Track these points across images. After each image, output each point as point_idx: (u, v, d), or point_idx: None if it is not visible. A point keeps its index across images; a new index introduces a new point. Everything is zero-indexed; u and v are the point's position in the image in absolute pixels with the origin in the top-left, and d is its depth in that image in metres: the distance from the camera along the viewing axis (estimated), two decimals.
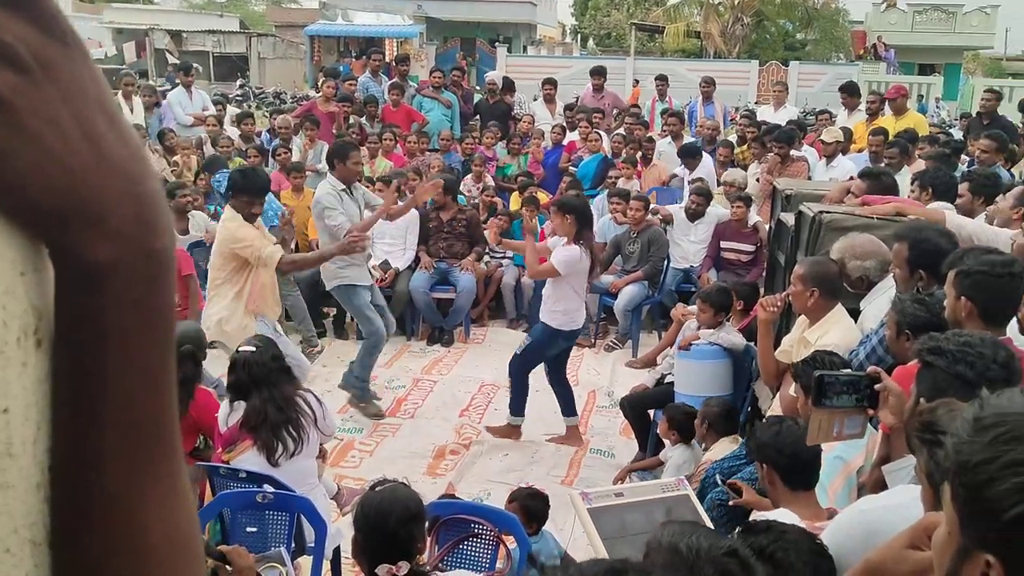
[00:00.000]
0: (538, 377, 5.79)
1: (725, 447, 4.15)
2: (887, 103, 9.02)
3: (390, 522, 2.41)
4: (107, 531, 0.53)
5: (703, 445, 4.44)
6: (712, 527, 2.43)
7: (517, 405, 5.63)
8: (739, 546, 1.62)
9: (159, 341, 0.54)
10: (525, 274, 6.59)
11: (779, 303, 4.06)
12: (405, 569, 2.37)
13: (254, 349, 3.67)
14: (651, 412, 5.32)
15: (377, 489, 2.58)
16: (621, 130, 9.87)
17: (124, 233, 0.50)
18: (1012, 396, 0.96)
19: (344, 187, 5.68)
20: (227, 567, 2.44)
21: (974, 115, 10.39)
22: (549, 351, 5.49)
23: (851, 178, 5.65)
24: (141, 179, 0.52)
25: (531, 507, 3.71)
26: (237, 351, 3.77)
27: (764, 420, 3.34)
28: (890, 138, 7.54)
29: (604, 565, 0.74)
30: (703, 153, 8.86)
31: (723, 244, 7.49)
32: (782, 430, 2.70)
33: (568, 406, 5.65)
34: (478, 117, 10.99)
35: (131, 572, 0.54)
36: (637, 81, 20.27)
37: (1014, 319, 2.93)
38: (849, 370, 2.45)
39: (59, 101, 0.49)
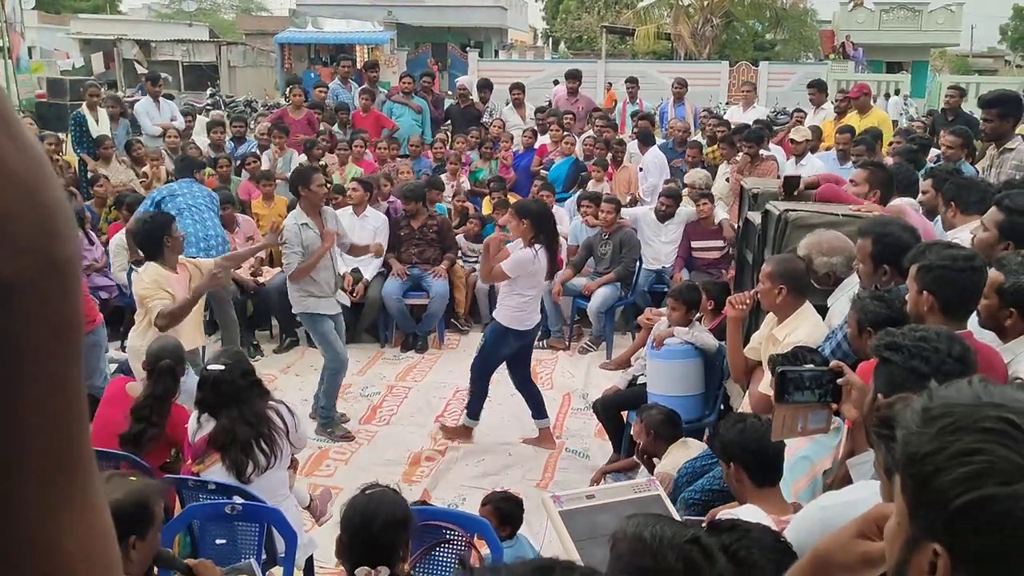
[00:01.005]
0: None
1: (677, 454, 4.17)
2: (851, 102, 9.12)
3: (374, 526, 2.41)
4: (15, 550, 0.51)
5: (646, 456, 4.45)
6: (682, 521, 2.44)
7: (474, 408, 5.64)
8: (702, 535, 1.63)
9: (66, 352, 0.53)
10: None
11: (747, 301, 4.08)
12: (384, 574, 2.36)
13: (223, 368, 3.63)
14: (624, 413, 5.33)
15: (366, 492, 2.57)
16: (591, 132, 9.90)
17: (25, 244, 0.49)
18: (960, 387, 0.97)
19: (305, 220, 5.58)
20: None
21: (939, 111, 10.52)
22: (503, 350, 5.48)
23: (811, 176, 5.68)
24: (43, 187, 0.51)
25: (504, 510, 3.70)
26: (206, 369, 3.73)
27: (725, 418, 3.34)
28: (856, 136, 7.62)
29: (532, 564, 0.74)
30: (655, 142, 9.00)
31: (693, 244, 7.54)
32: (746, 427, 2.71)
33: (538, 409, 5.65)
34: (449, 122, 10.98)
35: None
36: (611, 84, 20.34)
37: (974, 313, 2.96)
38: (812, 365, 2.45)
39: None
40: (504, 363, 5.63)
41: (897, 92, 22.63)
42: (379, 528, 2.42)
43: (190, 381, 4.06)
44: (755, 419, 2.78)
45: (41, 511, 0.52)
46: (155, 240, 4.82)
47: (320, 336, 5.75)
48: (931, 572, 0.91)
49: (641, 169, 8.97)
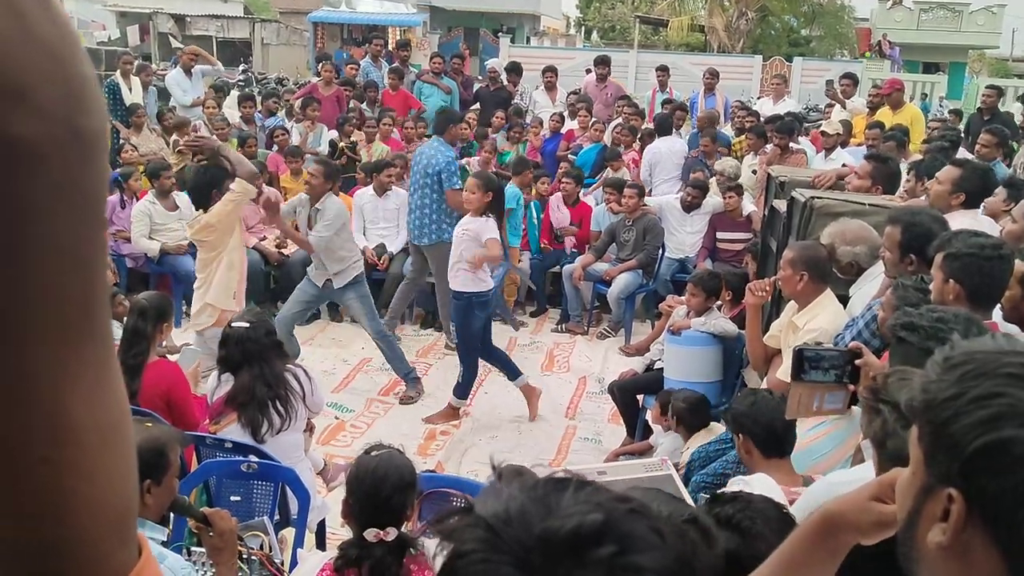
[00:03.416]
0: (529, 364, 5.82)
1: (701, 442, 4.16)
2: (884, 98, 9.02)
3: (384, 488, 2.40)
4: (27, 411, 0.53)
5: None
6: (692, 505, 2.44)
7: (464, 390, 5.69)
8: (699, 513, 1.63)
9: (88, 221, 0.54)
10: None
11: (767, 287, 4.06)
12: (393, 535, 2.37)
13: (248, 325, 3.67)
14: (640, 398, 5.33)
15: (373, 454, 2.57)
16: (619, 120, 9.86)
17: (49, 110, 0.50)
18: (982, 340, 0.98)
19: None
20: (209, 529, 2.45)
21: (975, 110, 10.39)
22: (474, 322, 5.51)
23: (843, 165, 5.64)
24: (70, 59, 0.52)
25: (512, 466, 3.71)
26: (230, 326, 3.75)
27: (740, 393, 3.34)
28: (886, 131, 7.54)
29: (547, 477, 0.75)
30: (673, 132, 9.02)
31: (719, 234, 7.50)
32: (757, 400, 2.71)
33: (510, 370, 5.71)
34: (478, 104, 10.98)
35: (53, 455, 0.54)
36: (589, 70, 19.82)
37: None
38: (830, 345, 2.45)
39: None
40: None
41: (925, 96, 22.32)
42: (389, 489, 2.42)
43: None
44: (767, 393, 2.78)
45: (52, 377, 0.53)
46: (204, 192, 4.92)
47: (364, 298, 5.87)
48: (944, 518, 0.91)
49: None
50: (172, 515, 2.74)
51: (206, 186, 4.93)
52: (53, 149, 0.51)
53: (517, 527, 0.72)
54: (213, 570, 2.53)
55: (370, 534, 2.36)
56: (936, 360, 0.96)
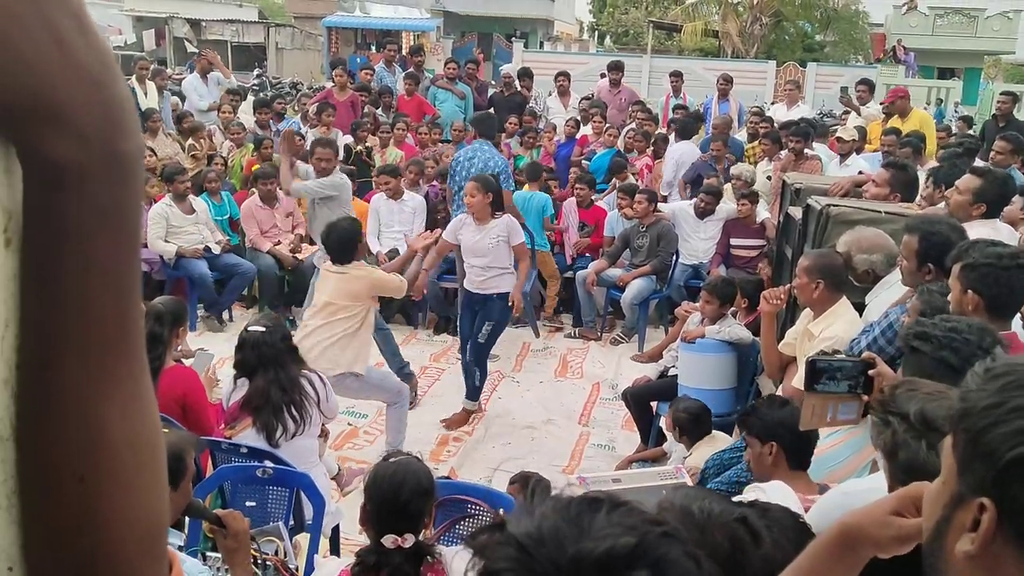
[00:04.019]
0: (543, 370, 5.83)
1: (704, 450, 4.15)
2: (891, 105, 8.95)
3: (402, 494, 2.41)
4: (64, 429, 0.54)
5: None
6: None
7: (476, 391, 5.76)
8: (750, 514, 1.62)
9: (123, 241, 0.55)
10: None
11: (782, 296, 4.05)
12: (411, 542, 2.38)
13: (263, 329, 3.69)
14: (654, 404, 5.32)
15: (391, 460, 2.57)
16: (633, 125, 9.86)
17: (89, 134, 0.52)
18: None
19: None
20: (223, 530, 2.46)
21: (990, 117, 10.33)
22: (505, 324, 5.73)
23: (860, 172, 5.62)
24: (109, 84, 0.53)
25: (544, 483, 3.72)
26: (246, 330, 3.77)
27: (763, 400, 3.32)
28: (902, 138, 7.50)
29: (582, 496, 0.75)
30: (691, 135, 9.07)
31: (733, 241, 7.48)
32: (793, 412, 2.69)
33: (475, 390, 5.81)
34: (492, 110, 10.99)
35: (90, 471, 0.55)
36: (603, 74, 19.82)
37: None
38: (843, 355, 2.44)
39: (27, 2, 0.50)
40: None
41: (940, 102, 22.19)
42: (407, 496, 2.43)
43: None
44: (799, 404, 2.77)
45: (88, 394, 0.54)
46: (351, 247, 4.91)
47: None
48: (973, 528, 0.91)
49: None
50: (187, 519, 2.76)
51: (350, 241, 4.92)
52: (93, 172, 0.52)
53: (550, 547, 0.73)
54: (229, 574, 2.54)
55: (388, 540, 2.36)
56: (977, 371, 0.96)
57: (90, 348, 0.54)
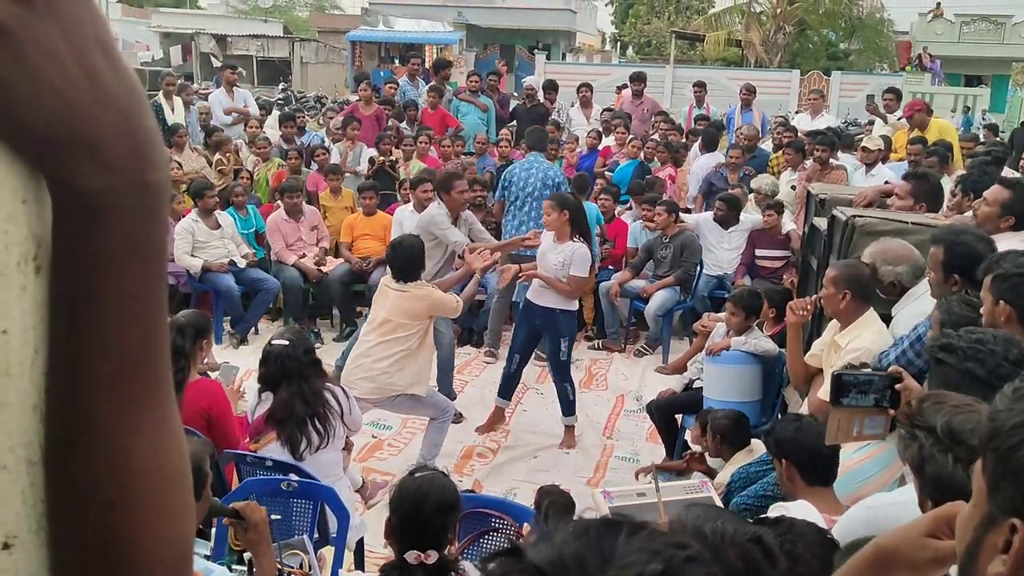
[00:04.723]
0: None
1: (742, 461, 4.12)
2: (909, 119, 8.86)
3: (424, 509, 2.41)
4: (93, 455, 0.55)
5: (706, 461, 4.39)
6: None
7: (573, 405, 5.69)
8: (764, 533, 1.60)
9: (151, 271, 0.56)
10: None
11: (808, 307, 4.02)
12: (434, 558, 2.37)
13: (287, 343, 3.71)
14: (679, 417, 5.29)
15: (416, 475, 2.57)
16: (656, 136, 9.85)
17: (118, 164, 0.53)
18: None
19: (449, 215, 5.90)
20: (242, 523, 2.47)
21: (1018, 124, 10.21)
22: None
23: (886, 182, 5.57)
24: (137, 115, 0.54)
25: (559, 503, 3.70)
26: (270, 343, 3.80)
27: (782, 418, 3.30)
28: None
29: (601, 519, 0.74)
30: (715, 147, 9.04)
31: (758, 251, 7.43)
32: (802, 426, 2.68)
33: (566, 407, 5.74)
34: (514, 122, 11.02)
35: (118, 497, 0.55)
36: (619, 88, 19.70)
37: None
38: (870, 370, 2.41)
39: (59, 35, 0.51)
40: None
41: (967, 110, 21.97)
42: (430, 511, 2.43)
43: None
44: (811, 418, 2.75)
45: (116, 422, 0.55)
46: (417, 265, 4.95)
47: None
48: (1006, 550, 0.89)
49: None
50: (214, 533, 2.78)
51: (415, 258, 4.96)
52: (122, 202, 0.53)
53: None
54: None
55: (411, 556, 2.36)
56: (1005, 392, 0.95)
57: (117, 375, 0.55)
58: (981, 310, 2.84)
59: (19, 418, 0.55)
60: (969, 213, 4.71)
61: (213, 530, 3.00)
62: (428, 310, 4.89)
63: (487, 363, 6.97)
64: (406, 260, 4.91)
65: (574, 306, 5.60)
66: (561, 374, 5.62)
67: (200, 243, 7.13)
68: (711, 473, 4.31)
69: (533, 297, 5.56)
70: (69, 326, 0.54)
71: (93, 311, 0.54)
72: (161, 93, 9.75)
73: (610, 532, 0.69)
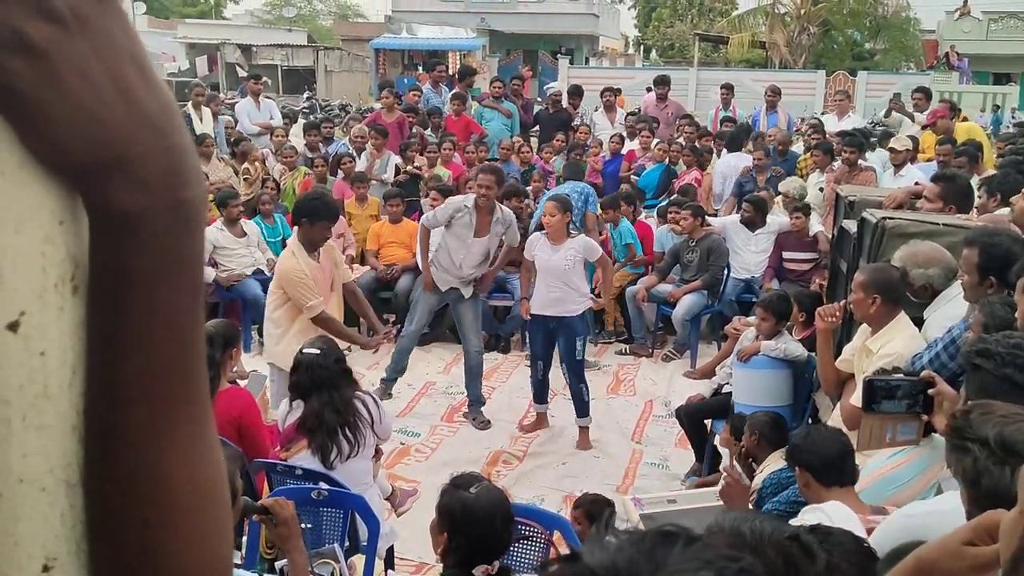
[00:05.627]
0: (595, 387, 5.82)
1: (777, 460, 4.07)
2: (932, 127, 8.77)
3: (495, 525, 2.43)
4: (129, 476, 0.54)
5: (751, 460, 4.34)
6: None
7: (587, 406, 5.72)
8: (802, 532, 1.58)
9: (186, 289, 0.55)
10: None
11: (837, 313, 3.96)
12: (497, 567, 2.40)
13: (318, 352, 3.72)
14: (708, 422, 5.25)
15: (472, 490, 2.52)
16: (681, 139, 9.82)
17: (153, 183, 0.52)
18: None
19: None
20: (272, 518, 2.48)
21: None
22: None
23: (916, 183, 5.50)
24: (171, 132, 0.54)
25: (595, 512, 3.69)
26: (301, 352, 3.80)
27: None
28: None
29: (655, 530, 0.74)
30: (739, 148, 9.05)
31: (785, 254, 7.37)
32: (810, 431, 2.69)
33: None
34: (538, 127, 11.02)
35: (155, 515, 0.55)
36: (619, 90, 19.39)
37: None
38: (902, 375, 2.38)
39: (92, 54, 0.51)
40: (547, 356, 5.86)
41: (996, 108, 21.66)
42: (499, 526, 2.45)
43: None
44: (824, 426, 2.74)
45: (151, 440, 0.55)
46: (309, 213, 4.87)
47: (479, 312, 6.27)
48: None
49: None
50: (245, 541, 2.79)
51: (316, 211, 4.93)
52: (157, 220, 0.53)
53: None
54: None
55: (479, 571, 2.37)
56: None
57: (154, 394, 0.55)
58: (1016, 313, 2.79)
59: (58, 440, 0.54)
60: (998, 212, 4.65)
61: (244, 538, 3.01)
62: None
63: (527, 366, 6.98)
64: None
65: (581, 309, 5.66)
66: (577, 375, 5.68)
67: (226, 251, 7.19)
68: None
69: (539, 310, 5.65)
70: (105, 344, 0.54)
71: (128, 329, 0.54)
72: (190, 104, 9.85)
73: (666, 541, 0.69)
